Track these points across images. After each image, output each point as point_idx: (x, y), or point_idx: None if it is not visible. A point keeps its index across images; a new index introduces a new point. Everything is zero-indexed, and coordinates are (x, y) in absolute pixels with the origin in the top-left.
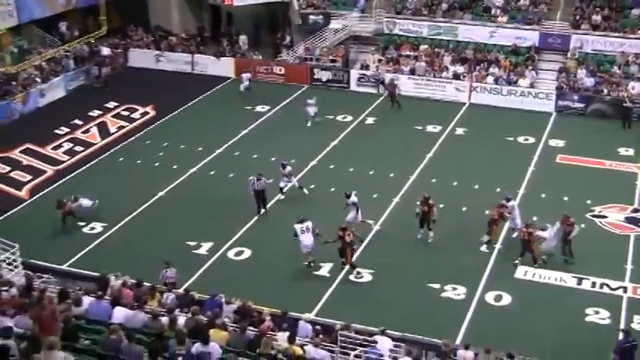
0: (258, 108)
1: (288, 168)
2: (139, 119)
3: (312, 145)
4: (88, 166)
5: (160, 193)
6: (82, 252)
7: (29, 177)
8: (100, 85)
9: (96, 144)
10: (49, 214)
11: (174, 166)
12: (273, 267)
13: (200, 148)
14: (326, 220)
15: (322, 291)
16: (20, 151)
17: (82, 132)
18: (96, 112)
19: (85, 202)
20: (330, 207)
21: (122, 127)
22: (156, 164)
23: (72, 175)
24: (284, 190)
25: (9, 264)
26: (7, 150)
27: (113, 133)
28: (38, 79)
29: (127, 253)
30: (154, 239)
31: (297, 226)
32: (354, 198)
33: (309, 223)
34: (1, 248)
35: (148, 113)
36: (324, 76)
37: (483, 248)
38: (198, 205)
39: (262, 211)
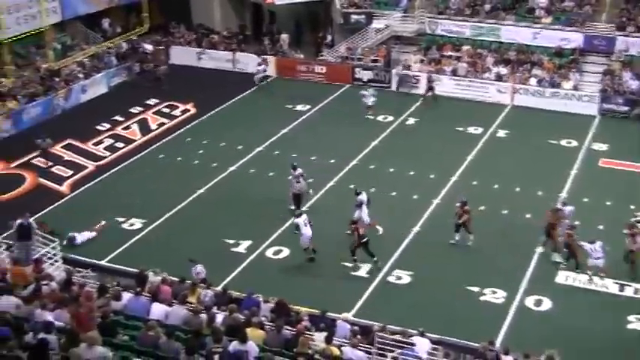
0: (299, 107)
1: (299, 170)
2: (179, 116)
3: (353, 144)
4: (128, 162)
5: (199, 191)
6: (121, 248)
7: (70, 172)
8: (152, 83)
9: (136, 140)
10: (89, 209)
11: (214, 164)
12: (311, 266)
13: (240, 147)
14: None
15: (360, 291)
16: (62, 147)
17: (123, 128)
18: (137, 109)
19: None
20: (370, 207)
21: (163, 124)
22: (195, 162)
23: (112, 171)
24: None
25: (49, 258)
26: (49, 145)
27: (154, 130)
28: (80, 75)
29: (166, 250)
30: (192, 236)
31: (300, 220)
32: (362, 197)
33: (306, 216)
34: (41, 243)
35: (188, 110)
36: (366, 75)
37: (556, 258)
38: (236, 204)
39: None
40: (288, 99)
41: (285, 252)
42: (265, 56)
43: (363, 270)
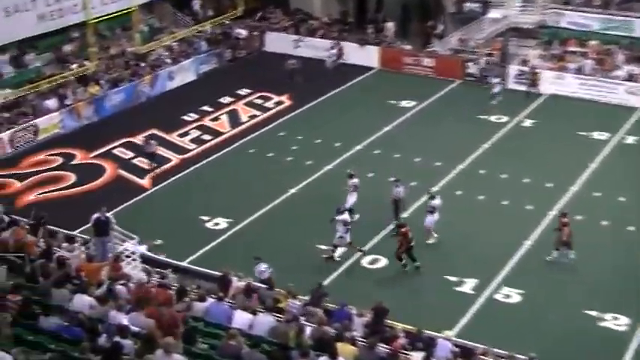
0: (404, 103)
1: (355, 180)
2: (273, 109)
3: (462, 146)
4: (215, 156)
5: (292, 190)
6: (204, 248)
7: (154, 164)
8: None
9: (225, 133)
10: (171, 205)
11: (309, 162)
12: (410, 279)
13: (337, 144)
14: (476, 232)
15: (464, 309)
16: (144, 137)
17: (211, 120)
18: (227, 99)
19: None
20: (477, 217)
21: (254, 116)
22: (288, 158)
23: (198, 165)
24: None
25: (127, 256)
26: (131, 134)
27: (244, 123)
28: (168, 61)
29: (252, 253)
30: (281, 240)
31: (345, 217)
32: (437, 202)
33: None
34: (120, 239)
35: (282, 102)
36: (478, 71)
37: None
38: (331, 206)
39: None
40: (392, 94)
41: (383, 262)
42: (337, 40)
43: (468, 285)
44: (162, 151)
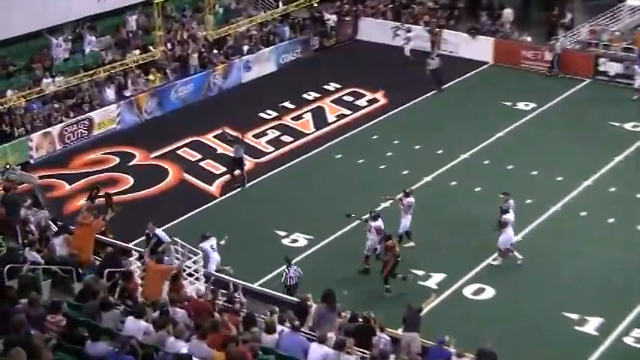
0: (520, 105)
1: (410, 199)
2: (365, 107)
3: (589, 159)
4: (296, 161)
5: (384, 204)
6: (280, 268)
7: (222, 169)
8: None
9: (309, 135)
10: (243, 217)
11: (405, 172)
12: (522, 313)
13: (440, 151)
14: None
15: (586, 353)
16: (215, 136)
17: (293, 118)
18: (312, 95)
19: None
20: (605, 243)
21: (343, 115)
22: (381, 166)
23: (276, 170)
24: (407, 232)
25: (189, 274)
26: (199, 133)
27: (331, 123)
28: (245, 49)
29: (334, 276)
30: (370, 262)
31: (379, 224)
32: (510, 216)
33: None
34: (182, 254)
35: (377, 101)
36: (613, 68)
37: None
38: (430, 225)
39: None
40: (507, 93)
41: (489, 292)
42: (410, 25)
43: (590, 325)
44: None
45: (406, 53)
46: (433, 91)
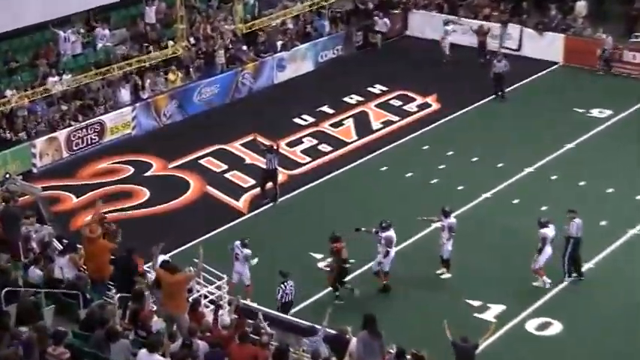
0: (595, 112)
1: (450, 220)
2: (415, 113)
3: None
4: (335, 174)
5: (436, 225)
6: (316, 296)
7: (251, 182)
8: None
9: (350, 143)
10: (274, 236)
11: (460, 187)
12: (595, 352)
13: (500, 164)
14: None
15: None
16: (243, 144)
17: (332, 125)
18: (354, 99)
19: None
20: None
21: (390, 122)
22: (433, 181)
23: (312, 184)
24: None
25: (211, 302)
26: (226, 141)
27: (376, 131)
28: (278, 44)
29: (379, 305)
30: (418, 289)
31: (390, 235)
32: (548, 230)
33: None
34: (205, 278)
35: (428, 106)
36: None
37: None
38: (489, 249)
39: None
40: (580, 99)
41: (556, 327)
42: (454, 17)
43: None
44: (264, 164)
45: (444, 49)
46: (493, 96)
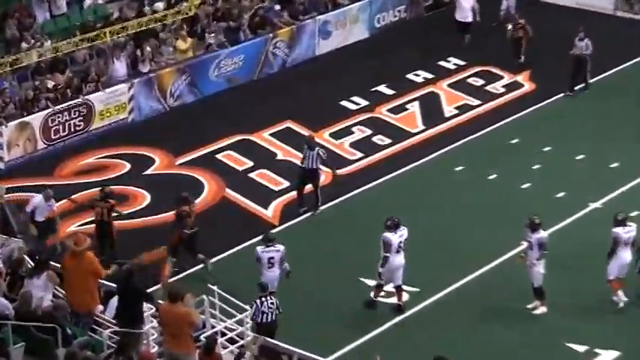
0: None
1: (539, 235)
2: (500, 95)
3: None
4: (394, 174)
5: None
6: (369, 335)
7: (284, 184)
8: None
9: (415, 135)
10: (313, 255)
11: (559, 194)
12: None
13: (615, 164)
14: None
15: None
16: (273, 134)
17: (392, 110)
18: (420, 75)
19: None
20: None
21: (467, 107)
22: (524, 185)
23: (364, 188)
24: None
25: (230, 341)
26: (251, 129)
27: (450, 118)
28: (321, 4)
29: (447, 346)
30: (494, 322)
31: (393, 237)
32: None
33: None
34: (221, 309)
35: (519, 86)
36: None
37: None
38: (596, 273)
39: None
40: None
41: None
42: None
43: None
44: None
45: (502, 10)
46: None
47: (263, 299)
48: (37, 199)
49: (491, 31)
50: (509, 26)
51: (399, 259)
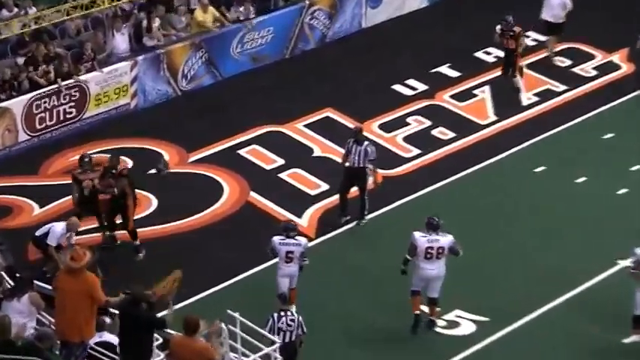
0: None
1: None
2: (592, 79)
3: None
4: (459, 176)
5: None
6: None
7: (322, 186)
8: None
9: (485, 127)
10: (358, 277)
11: None
12: None
13: None
14: None
15: None
16: (309, 125)
17: (455, 96)
18: (492, 54)
19: None
20: None
21: (550, 93)
22: (620, 190)
23: (420, 192)
24: None
25: None
26: (281, 119)
27: (528, 107)
28: None
29: None
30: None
31: (421, 239)
32: None
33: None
34: (243, 340)
35: (615, 68)
36: None
37: None
38: None
39: None
40: None
41: None
42: None
43: None
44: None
45: None
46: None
47: (281, 313)
48: (60, 228)
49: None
50: (498, 28)
51: (430, 268)
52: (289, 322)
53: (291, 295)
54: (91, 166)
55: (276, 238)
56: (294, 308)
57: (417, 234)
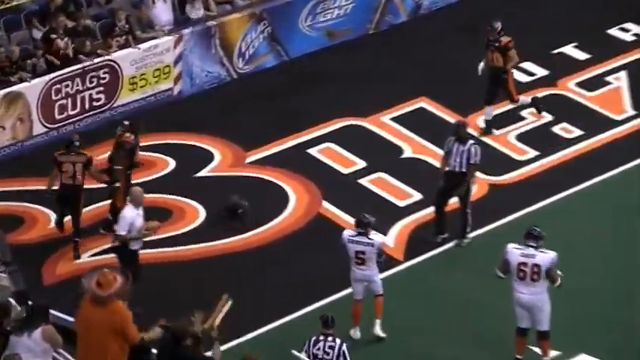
0: None
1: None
2: None
3: None
4: (586, 184)
5: None
6: None
7: (414, 196)
8: None
9: (619, 123)
10: (453, 312)
11: None
12: None
13: None
14: None
15: None
16: (397, 118)
17: (583, 84)
18: (630, 31)
19: None
20: None
21: None
22: None
23: (534, 207)
24: None
25: None
26: (363, 112)
27: None
28: None
29: None
30: None
31: (514, 251)
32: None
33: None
34: None
35: None
36: None
37: None
38: None
39: None
40: None
41: None
42: None
43: None
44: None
45: None
46: None
47: (320, 337)
48: (129, 212)
49: None
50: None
51: (522, 292)
52: (327, 350)
53: (376, 304)
54: (78, 149)
55: (347, 233)
56: (378, 325)
57: (511, 246)
